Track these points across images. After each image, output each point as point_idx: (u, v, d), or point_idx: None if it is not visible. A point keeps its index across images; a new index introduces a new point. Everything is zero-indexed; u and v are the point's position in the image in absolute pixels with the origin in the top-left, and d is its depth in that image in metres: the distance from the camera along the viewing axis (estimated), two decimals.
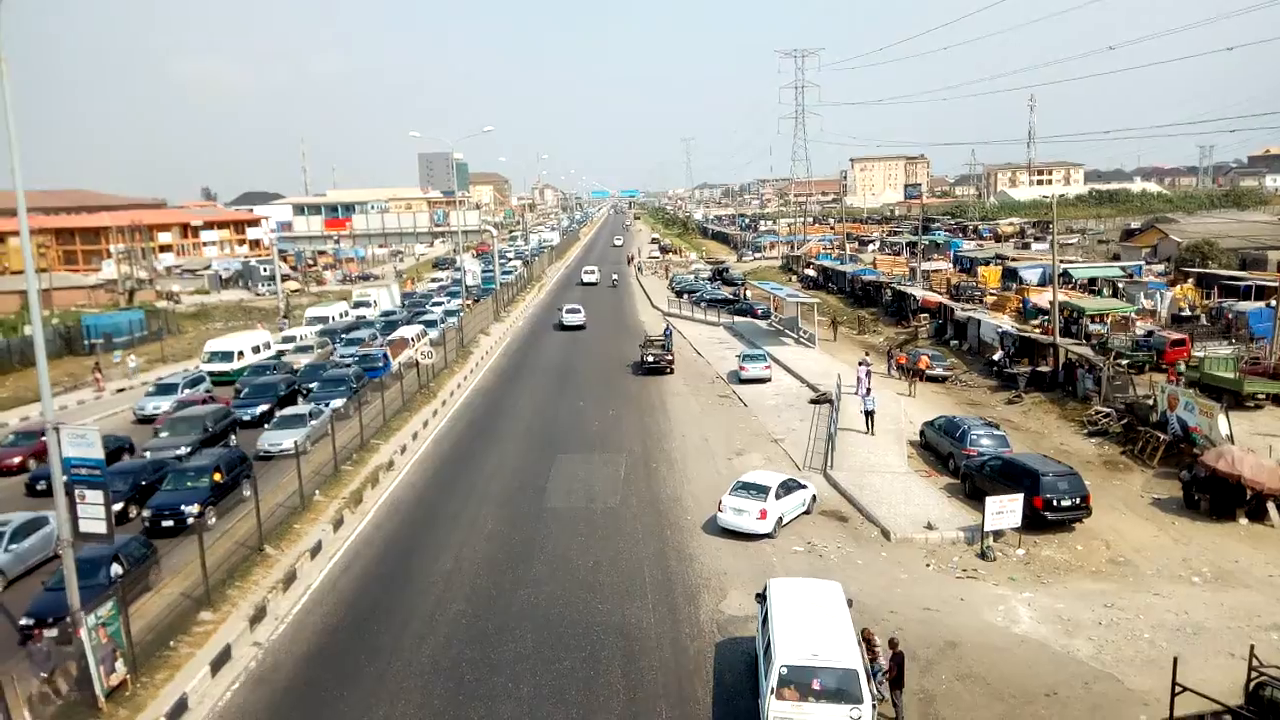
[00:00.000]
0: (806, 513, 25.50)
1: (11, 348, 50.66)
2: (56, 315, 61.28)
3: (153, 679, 17.07)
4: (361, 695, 16.80)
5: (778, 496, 24.17)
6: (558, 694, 16.67)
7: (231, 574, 21.42)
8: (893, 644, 16.08)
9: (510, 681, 17.11)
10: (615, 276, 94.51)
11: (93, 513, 16.90)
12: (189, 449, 29.94)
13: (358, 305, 66.56)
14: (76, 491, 16.82)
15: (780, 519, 24.15)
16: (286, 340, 51.61)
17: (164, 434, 31.29)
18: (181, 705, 16.18)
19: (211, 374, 43.29)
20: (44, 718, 15.35)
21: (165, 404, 37.38)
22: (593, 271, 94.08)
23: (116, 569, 19.70)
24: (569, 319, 61.77)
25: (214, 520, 24.98)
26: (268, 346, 48.91)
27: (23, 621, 18.55)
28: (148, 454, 29.62)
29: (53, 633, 17.49)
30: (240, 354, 46.04)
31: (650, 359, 45.56)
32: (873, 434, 32.45)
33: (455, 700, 16.57)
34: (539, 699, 16.53)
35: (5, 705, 13.61)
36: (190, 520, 24.04)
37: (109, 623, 16.27)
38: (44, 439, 19.38)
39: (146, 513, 24.83)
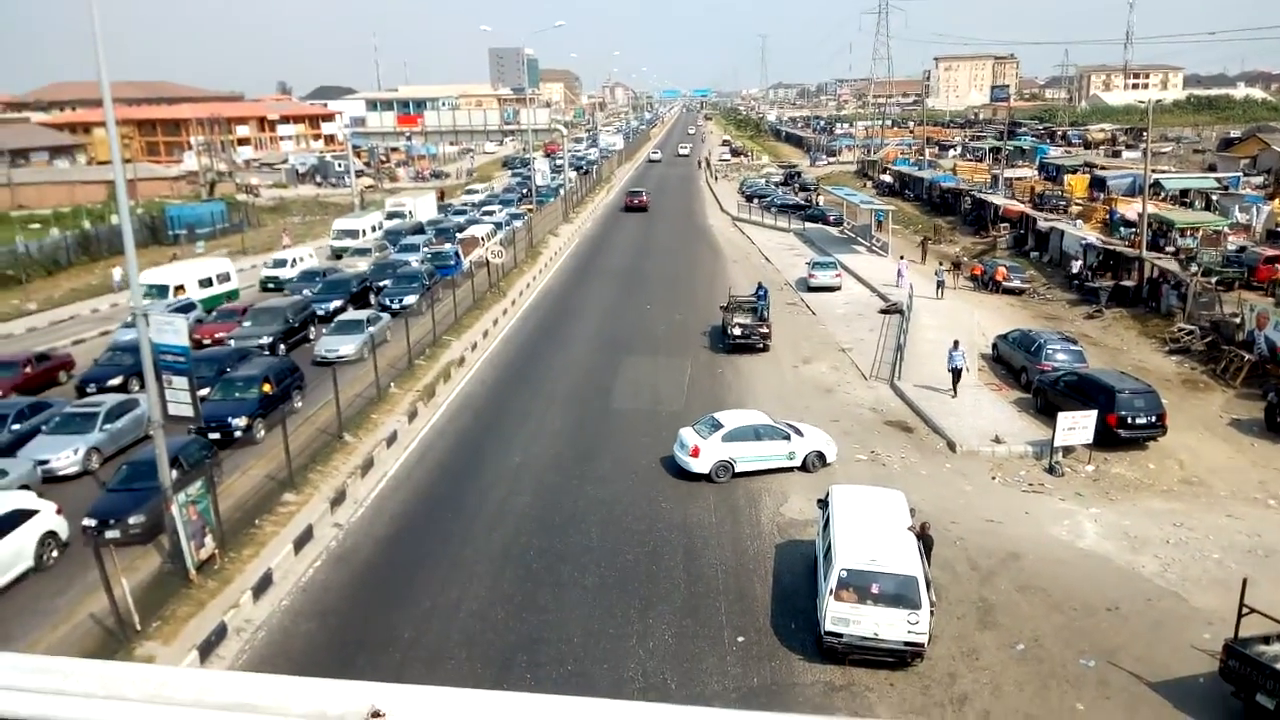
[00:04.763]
0: (802, 468, 21.96)
1: (100, 236, 52.43)
2: (141, 205, 62.92)
3: (240, 554, 18.02)
4: (436, 577, 17.59)
5: (730, 439, 21.38)
6: (621, 584, 17.24)
7: (314, 459, 22.35)
8: (924, 527, 16.44)
9: (576, 570, 17.74)
10: (687, 148, 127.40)
11: (179, 397, 17.69)
12: (271, 339, 30.93)
13: (391, 216, 58.25)
14: (164, 376, 17.59)
15: (728, 464, 21.37)
16: (277, 265, 43.35)
17: (247, 324, 32.21)
18: (267, 579, 17.12)
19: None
20: (140, 586, 16.44)
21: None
22: (658, 152, 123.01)
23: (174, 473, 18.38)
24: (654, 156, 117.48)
25: (263, 434, 23.65)
26: (225, 278, 39.45)
27: (85, 523, 18.12)
28: (233, 342, 30.57)
29: (114, 533, 17.62)
30: (180, 288, 35.97)
31: (738, 332, 32.06)
32: (955, 395, 27.05)
33: (524, 586, 17.26)
34: (604, 588, 17.13)
35: (105, 575, 14.53)
36: (238, 434, 23.06)
37: (198, 500, 17.17)
38: None
39: (191, 426, 21.18)
